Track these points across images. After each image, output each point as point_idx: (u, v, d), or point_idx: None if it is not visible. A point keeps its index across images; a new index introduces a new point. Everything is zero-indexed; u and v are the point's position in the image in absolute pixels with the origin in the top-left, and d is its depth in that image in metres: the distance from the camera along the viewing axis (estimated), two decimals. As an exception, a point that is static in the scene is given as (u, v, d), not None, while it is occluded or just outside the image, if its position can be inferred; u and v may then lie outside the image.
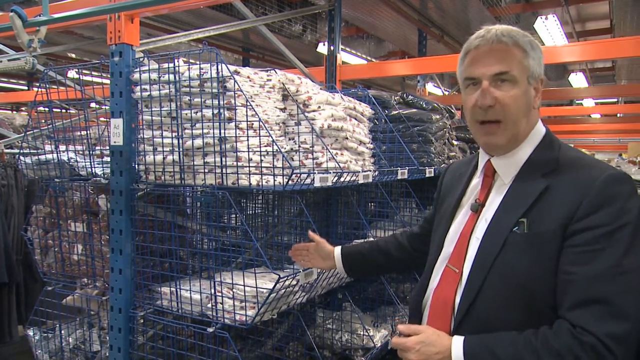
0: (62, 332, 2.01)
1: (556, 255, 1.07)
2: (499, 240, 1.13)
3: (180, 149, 1.63)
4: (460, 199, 1.32)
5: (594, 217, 1.05)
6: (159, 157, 1.69)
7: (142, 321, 1.80)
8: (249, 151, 1.57)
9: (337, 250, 1.65)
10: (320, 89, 2.01)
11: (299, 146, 1.82)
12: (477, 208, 1.23)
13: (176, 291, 1.70)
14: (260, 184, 1.59)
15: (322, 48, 6.45)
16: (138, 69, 1.72)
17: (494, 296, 1.12)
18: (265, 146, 1.61)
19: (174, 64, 1.63)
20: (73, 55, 8.03)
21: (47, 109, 1.93)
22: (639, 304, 1.01)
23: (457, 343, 1.10)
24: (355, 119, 2.15)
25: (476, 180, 1.30)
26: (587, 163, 1.15)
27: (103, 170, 1.89)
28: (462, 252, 1.21)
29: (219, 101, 1.57)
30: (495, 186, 1.23)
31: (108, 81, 1.79)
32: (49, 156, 1.95)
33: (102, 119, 3.70)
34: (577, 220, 1.06)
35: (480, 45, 1.18)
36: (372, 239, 2.20)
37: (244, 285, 1.57)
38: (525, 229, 1.11)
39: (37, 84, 1.89)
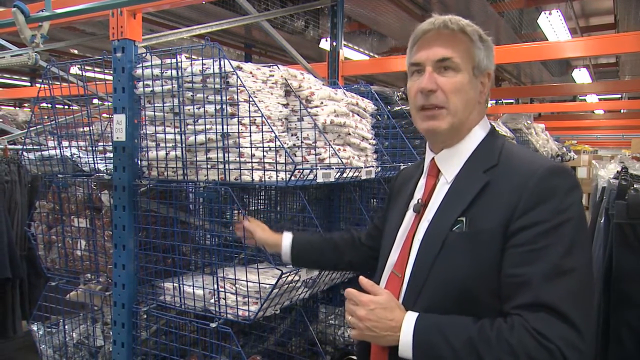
0: (66, 327, 2.02)
1: (497, 255, 1.02)
2: (438, 241, 1.08)
3: (183, 145, 1.63)
4: (408, 202, 1.26)
5: (533, 214, 1.00)
6: (162, 153, 1.69)
7: (145, 316, 1.80)
8: (251, 147, 1.57)
9: (287, 240, 1.57)
10: (323, 84, 2.00)
11: (302, 142, 1.82)
12: (419, 209, 1.18)
13: (179, 287, 1.70)
14: (263, 179, 1.59)
15: (325, 44, 6.44)
16: (140, 65, 1.72)
17: (434, 299, 1.07)
18: (267, 142, 1.61)
19: (177, 60, 1.62)
20: (75, 52, 8.06)
21: (49, 105, 1.93)
22: (580, 308, 0.95)
23: (410, 318, 1.04)
24: (358, 114, 2.15)
25: (422, 182, 1.24)
26: (527, 158, 1.09)
27: (106, 166, 1.90)
28: (405, 255, 1.17)
29: (221, 97, 1.56)
30: (439, 185, 1.17)
31: (110, 77, 1.79)
32: (52, 152, 1.95)
33: (104, 115, 3.70)
34: (517, 217, 1.00)
35: (427, 30, 1.15)
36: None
37: (247, 281, 1.57)
38: (465, 227, 1.05)
39: (40, 80, 1.89)
